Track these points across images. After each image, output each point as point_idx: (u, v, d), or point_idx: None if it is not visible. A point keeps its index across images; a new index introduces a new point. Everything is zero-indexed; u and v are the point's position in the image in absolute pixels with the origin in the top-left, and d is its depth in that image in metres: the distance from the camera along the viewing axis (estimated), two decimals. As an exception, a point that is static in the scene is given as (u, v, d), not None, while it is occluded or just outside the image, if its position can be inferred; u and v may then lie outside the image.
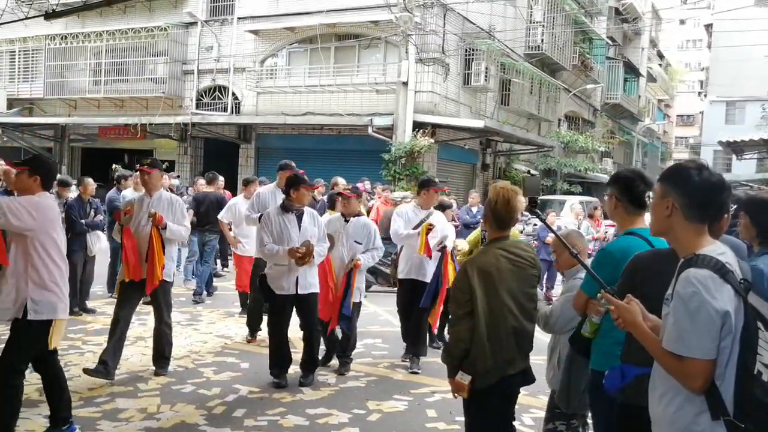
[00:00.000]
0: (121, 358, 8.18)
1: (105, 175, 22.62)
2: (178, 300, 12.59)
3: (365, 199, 14.40)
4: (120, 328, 7.94)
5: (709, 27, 56.69)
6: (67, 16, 22.42)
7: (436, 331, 9.75)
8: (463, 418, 4.85)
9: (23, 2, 22.24)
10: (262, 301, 9.43)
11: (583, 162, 34.09)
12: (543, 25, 29.15)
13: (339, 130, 24.92)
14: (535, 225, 18.08)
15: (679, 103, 79.48)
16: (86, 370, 7.66)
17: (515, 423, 4.89)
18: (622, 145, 46.78)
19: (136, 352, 9.10)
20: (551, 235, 11.61)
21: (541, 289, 12.20)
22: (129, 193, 12.14)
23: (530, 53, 29.24)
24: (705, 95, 59.63)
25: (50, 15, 17.69)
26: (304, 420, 6.93)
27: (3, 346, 5.91)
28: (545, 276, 14.49)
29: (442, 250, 8.91)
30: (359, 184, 12.42)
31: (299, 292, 7.97)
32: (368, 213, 14.11)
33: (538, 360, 5.05)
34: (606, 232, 17.30)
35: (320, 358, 8.61)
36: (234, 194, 15.14)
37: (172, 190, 15.16)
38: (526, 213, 14.42)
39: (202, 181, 15.18)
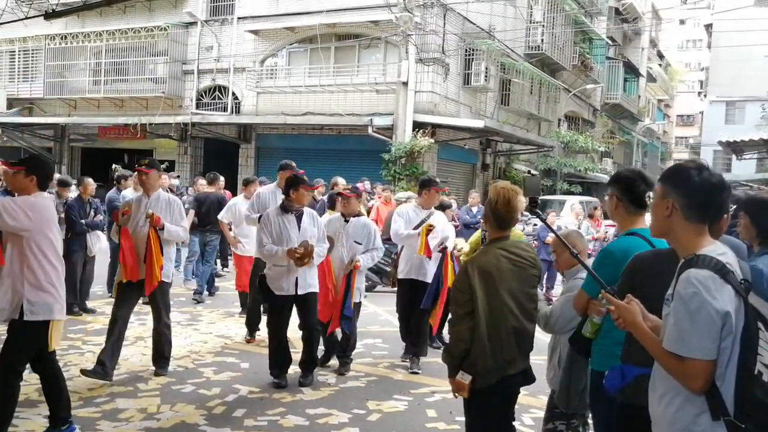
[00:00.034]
0: (121, 358, 8.19)
1: (105, 175, 22.62)
2: (178, 300, 12.61)
3: (365, 199, 14.40)
4: (118, 329, 7.93)
5: (709, 27, 56.71)
6: (66, 15, 22.41)
7: (436, 332, 9.75)
8: (463, 418, 4.85)
9: (23, 2, 22.24)
10: (262, 301, 9.45)
11: (583, 162, 34.09)
12: (543, 25, 29.15)
13: (339, 130, 24.92)
14: (535, 225, 18.09)
15: (679, 103, 79.49)
16: (84, 371, 7.65)
17: (515, 423, 4.89)
18: (622, 145, 46.79)
19: (136, 352, 9.09)
20: (551, 235, 11.61)
21: (541, 289, 12.20)
22: (129, 193, 12.12)
23: (530, 53, 29.24)
24: (705, 95, 59.64)
25: (50, 15, 17.68)
26: (304, 420, 6.92)
27: (1, 346, 5.91)
28: (545, 276, 14.48)
29: (443, 250, 8.90)
30: (359, 184, 12.41)
31: (299, 292, 7.97)
32: (368, 213, 14.11)
33: (539, 360, 5.05)
34: (606, 232, 17.30)
35: (319, 358, 8.61)
36: (234, 194, 15.15)
37: (172, 190, 15.19)
38: (527, 213, 14.41)
39: (202, 181, 15.17)
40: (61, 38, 28.92)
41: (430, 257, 8.85)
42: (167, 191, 13.98)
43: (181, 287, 13.92)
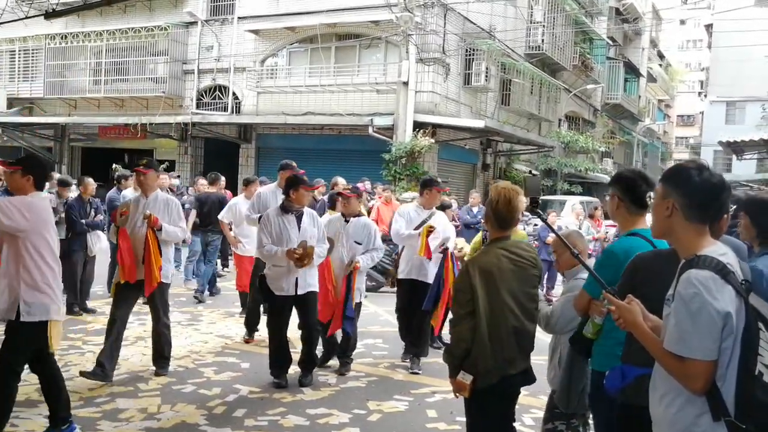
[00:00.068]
0: (121, 358, 8.19)
1: (105, 174, 22.62)
2: (178, 300, 12.62)
3: (365, 199, 14.39)
4: (116, 330, 7.90)
5: (709, 27, 56.72)
6: (67, 15, 22.43)
7: (438, 333, 9.74)
8: (463, 419, 4.86)
9: (23, 1, 22.25)
10: (261, 302, 9.44)
11: (584, 162, 34.07)
12: (543, 25, 29.13)
13: (339, 130, 24.90)
14: (535, 225, 18.08)
15: (679, 104, 79.50)
16: (83, 373, 7.63)
17: (516, 423, 4.89)
18: (622, 146, 46.78)
19: (137, 352, 9.09)
20: (552, 235, 11.61)
21: (542, 290, 12.20)
22: (129, 193, 12.13)
23: (531, 53, 29.22)
24: (705, 95, 59.63)
25: (50, 14, 17.71)
26: (305, 420, 6.93)
27: (-1, 347, 5.91)
28: (546, 276, 14.49)
29: (444, 251, 8.90)
30: (359, 184, 12.41)
31: (298, 292, 7.97)
32: (369, 213, 14.10)
33: (539, 360, 5.05)
34: (606, 232, 17.29)
35: (318, 358, 8.60)
36: (234, 194, 15.15)
37: (172, 190, 15.20)
38: (527, 213, 14.42)
39: (202, 181, 15.17)
40: (62, 38, 28.90)
41: (430, 258, 8.85)
42: (168, 191, 14.08)
43: (181, 287, 13.93)
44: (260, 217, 8.58)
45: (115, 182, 14.52)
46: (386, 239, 11.10)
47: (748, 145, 27.84)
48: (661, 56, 65.48)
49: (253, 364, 8.81)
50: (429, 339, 9.38)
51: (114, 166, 21.91)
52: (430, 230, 8.76)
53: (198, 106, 27.12)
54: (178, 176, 20.93)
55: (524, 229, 17.70)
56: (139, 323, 10.34)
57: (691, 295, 2.83)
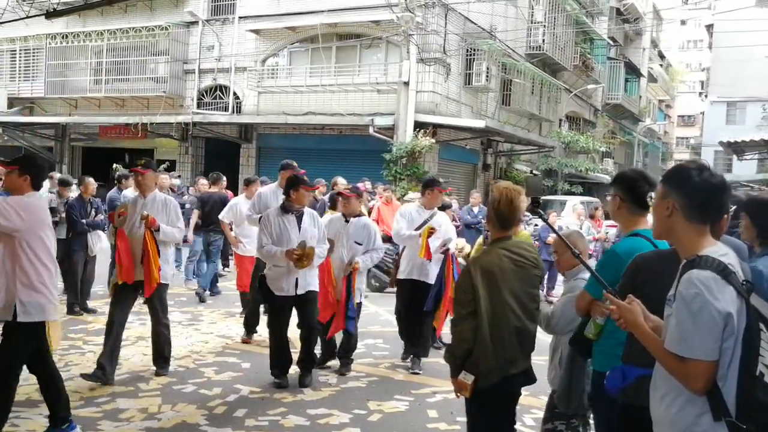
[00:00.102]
0: (121, 358, 8.21)
1: (106, 174, 22.62)
2: (179, 300, 12.63)
3: (366, 199, 14.39)
4: (115, 331, 7.88)
5: (710, 27, 56.72)
6: (68, 15, 22.42)
7: (440, 334, 9.73)
8: (464, 419, 4.86)
9: (24, 1, 22.24)
10: (261, 302, 9.44)
11: (584, 162, 34.06)
12: (544, 26, 29.13)
13: (340, 130, 24.90)
14: (536, 225, 18.07)
15: (680, 104, 79.48)
16: (84, 375, 7.62)
17: (516, 424, 4.89)
18: (623, 146, 46.79)
19: (137, 352, 9.09)
20: (552, 235, 11.62)
21: (542, 290, 12.20)
22: (130, 193, 12.13)
23: (531, 53, 29.22)
24: (706, 96, 59.64)
25: (51, 14, 17.70)
26: (305, 420, 6.93)
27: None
28: (546, 276, 14.48)
29: (446, 252, 8.89)
30: (359, 184, 12.40)
31: (298, 292, 7.96)
32: (369, 213, 14.10)
33: (539, 360, 5.05)
34: (607, 232, 17.29)
35: (317, 358, 8.60)
36: (235, 194, 15.15)
37: (173, 190, 15.20)
38: (528, 213, 14.41)
39: (203, 181, 15.17)
40: (62, 37, 28.91)
41: (429, 260, 8.84)
42: (168, 191, 14.10)
43: (182, 287, 13.93)
44: (261, 217, 8.57)
45: (115, 182, 14.54)
46: (387, 239, 11.11)
47: (749, 146, 27.83)
48: (661, 56, 65.48)
49: (254, 364, 8.81)
50: (430, 339, 9.38)
51: (114, 165, 21.90)
52: (431, 232, 8.74)
53: (199, 106, 27.14)
54: (179, 176, 20.93)
55: (525, 229, 17.71)
56: (140, 323, 10.34)
57: (692, 296, 2.83)
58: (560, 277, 13.65)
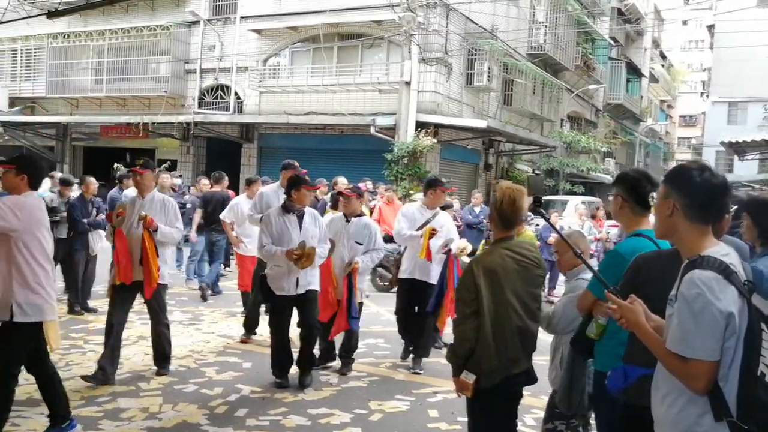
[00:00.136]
0: (122, 357, 8.20)
1: (107, 174, 22.62)
2: (180, 300, 12.64)
3: (367, 199, 14.38)
4: (115, 332, 7.85)
5: (711, 28, 56.65)
6: (69, 14, 22.45)
7: (442, 334, 9.71)
8: (464, 419, 4.86)
9: (26, 1, 22.27)
10: (262, 302, 9.43)
11: (586, 162, 34.06)
12: (546, 26, 29.13)
13: (342, 130, 24.91)
14: (537, 225, 18.06)
15: (681, 104, 79.45)
16: (85, 378, 7.60)
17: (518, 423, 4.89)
18: (624, 146, 46.76)
19: (138, 352, 9.09)
20: (554, 235, 11.61)
21: (543, 290, 12.19)
22: (131, 193, 12.09)
23: (533, 53, 29.21)
24: (707, 96, 59.57)
25: (53, 13, 17.69)
26: (306, 420, 6.93)
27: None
28: (547, 276, 14.46)
29: (447, 252, 8.88)
30: (361, 184, 12.41)
31: (299, 292, 7.96)
32: (371, 213, 14.09)
33: (540, 360, 5.05)
34: (608, 232, 17.29)
35: (317, 358, 8.59)
36: (237, 194, 15.14)
37: (174, 190, 15.20)
38: (529, 213, 14.42)
39: (205, 181, 15.18)
40: (64, 37, 28.94)
41: (430, 261, 8.83)
42: (170, 191, 14.10)
43: (183, 287, 13.93)
44: (262, 217, 8.56)
45: (116, 182, 14.54)
46: (389, 239, 11.10)
47: (750, 146, 27.79)
48: (663, 57, 65.47)
49: (255, 363, 8.81)
50: (431, 339, 9.36)
51: (116, 165, 21.88)
52: (433, 233, 8.72)
53: (200, 106, 27.17)
54: (180, 176, 20.94)
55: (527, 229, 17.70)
56: (141, 322, 10.32)
57: (694, 296, 2.83)
58: (561, 277, 13.65)
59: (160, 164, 23.07)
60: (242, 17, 26.32)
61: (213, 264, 13.65)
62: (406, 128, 21.78)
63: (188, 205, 14.83)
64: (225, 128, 26.86)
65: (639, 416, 3.53)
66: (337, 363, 8.78)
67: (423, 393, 7.95)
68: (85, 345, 9.41)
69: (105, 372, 7.65)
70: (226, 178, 14.47)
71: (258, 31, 25.89)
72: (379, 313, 12.33)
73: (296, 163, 9.89)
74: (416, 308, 9.06)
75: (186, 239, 13.24)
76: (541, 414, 5.66)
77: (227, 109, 26.59)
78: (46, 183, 13.49)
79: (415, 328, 9.08)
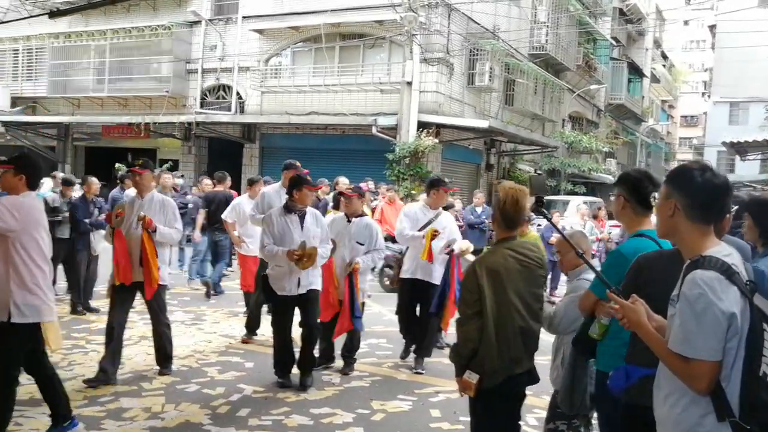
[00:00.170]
0: (125, 357, 8.22)
1: (109, 174, 22.66)
2: (182, 299, 12.65)
3: (369, 199, 14.37)
4: (116, 334, 7.85)
5: (712, 28, 56.59)
6: (71, 14, 22.48)
7: (447, 334, 9.71)
8: (467, 418, 4.86)
9: (27, 0, 22.28)
10: (264, 302, 9.43)
11: (587, 162, 34.08)
12: (547, 26, 29.16)
13: (343, 130, 24.91)
14: (539, 225, 18.06)
15: (682, 104, 79.40)
16: (87, 381, 7.59)
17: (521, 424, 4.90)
18: (625, 146, 46.75)
19: (140, 352, 9.09)
20: (556, 235, 11.61)
21: (545, 290, 12.19)
22: (132, 193, 12.14)
23: (534, 53, 29.23)
24: (709, 96, 59.53)
25: (54, 13, 17.68)
26: (309, 419, 6.93)
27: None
28: (549, 276, 14.46)
29: (450, 253, 8.88)
30: (362, 184, 12.40)
31: (300, 292, 7.96)
32: (372, 213, 14.09)
33: (542, 360, 5.05)
34: (610, 232, 17.27)
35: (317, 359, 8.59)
36: (239, 194, 15.15)
37: (176, 190, 15.20)
38: (531, 213, 14.40)
39: (207, 181, 15.18)
40: (65, 37, 28.96)
41: (431, 262, 8.82)
42: (171, 191, 14.10)
43: (185, 287, 13.94)
44: (264, 217, 8.56)
45: (118, 182, 14.55)
46: (390, 239, 11.09)
47: (752, 146, 27.75)
48: (664, 57, 65.45)
49: (257, 363, 8.81)
50: (433, 339, 9.35)
51: (117, 165, 21.92)
52: (435, 235, 8.71)
53: (202, 106, 27.18)
54: (182, 176, 20.96)
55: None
56: (144, 322, 10.31)
57: (696, 296, 2.84)
58: (563, 278, 13.65)
59: (161, 164, 23.10)
60: (244, 17, 26.34)
61: (218, 263, 13.64)
62: (407, 128, 21.79)
63: (190, 206, 14.84)
64: (227, 128, 26.88)
65: (641, 416, 3.53)
66: (336, 364, 8.78)
67: (425, 393, 7.95)
68: (88, 345, 9.42)
69: (106, 373, 7.66)
70: (229, 177, 14.47)
71: (260, 31, 25.91)
72: (381, 313, 12.32)
73: (298, 163, 9.88)
74: (417, 308, 9.07)
75: (188, 239, 13.24)
76: (544, 414, 5.66)
77: (229, 109, 26.59)
78: (48, 183, 13.50)
79: (417, 328, 9.08)
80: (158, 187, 13.06)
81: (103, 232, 11.63)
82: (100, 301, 11.89)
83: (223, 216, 11.91)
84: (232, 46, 26.52)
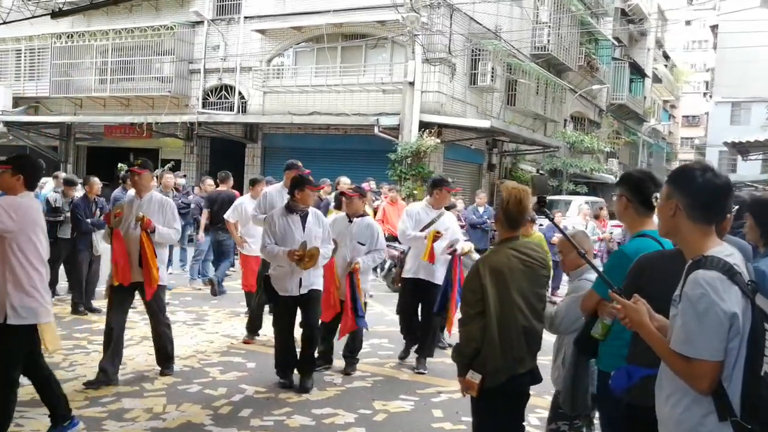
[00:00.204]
0: (126, 358, 8.22)
1: (111, 174, 22.68)
2: (184, 299, 12.65)
3: (371, 199, 14.38)
4: (116, 335, 7.83)
5: (714, 28, 56.54)
6: (73, 14, 22.48)
7: (450, 334, 9.72)
8: (469, 418, 4.86)
9: (30, 1, 22.28)
10: (266, 303, 9.42)
11: (589, 162, 34.06)
12: (549, 26, 29.13)
13: (345, 130, 24.89)
14: (540, 225, 18.05)
15: (684, 104, 79.32)
16: (87, 384, 7.59)
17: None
18: (627, 146, 46.68)
19: (142, 352, 9.09)
20: (558, 235, 11.60)
21: (547, 290, 12.18)
22: (132, 192, 12.14)
23: (536, 54, 29.20)
24: (710, 96, 59.51)
25: (57, 14, 17.75)
26: (311, 420, 6.93)
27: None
28: (551, 276, 14.44)
29: (452, 253, 8.87)
30: (364, 184, 12.41)
31: (302, 292, 7.95)
32: (374, 213, 14.09)
33: (544, 360, 5.05)
34: (611, 232, 17.28)
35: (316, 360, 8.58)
36: (241, 194, 15.15)
37: (178, 190, 15.20)
38: (534, 212, 14.39)
39: (209, 181, 15.19)
40: (68, 37, 28.96)
41: (432, 263, 8.82)
42: (173, 191, 14.11)
43: (187, 287, 13.94)
44: (266, 217, 8.55)
45: (120, 181, 14.55)
46: (392, 239, 11.08)
47: (754, 146, 27.75)
48: (666, 57, 65.35)
49: (259, 363, 8.82)
50: (435, 339, 9.35)
51: (119, 165, 21.93)
52: (437, 236, 8.69)
53: (204, 106, 27.16)
54: (184, 176, 20.95)
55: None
56: (145, 323, 10.26)
57: (698, 296, 2.84)
58: (565, 278, 13.65)
59: (163, 164, 23.07)
60: (246, 17, 26.34)
61: (222, 262, 13.64)
62: (409, 128, 21.80)
63: (192, 206, 14.85)
64: (229, 128, 26.87)
65: (642, 416, 3.53)
66: (338, 364, 8.77)
67: (427, 393, 7.95)
68: (89, 345, 9.42)
69: (106, 373, 7.65)
70: (232, 177, 14.48)
71: (262, 31, 25.90)
72: (383, 313, 12.32)
73: (300, 163, 9.87)
74: (419, 308, 9.08)
75: (191, 239, 13.24)
76: (546, 414, 5.66)
77: (231, 109, 26.60)
78: (50, 183, 13.51)
79: (419, 328, 9.08)
80: (160, 187, 13.08)
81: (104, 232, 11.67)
82: (102, 302, 11.84)
83: (225, 216, 11.91)
84: (235, 46, 26.51)
